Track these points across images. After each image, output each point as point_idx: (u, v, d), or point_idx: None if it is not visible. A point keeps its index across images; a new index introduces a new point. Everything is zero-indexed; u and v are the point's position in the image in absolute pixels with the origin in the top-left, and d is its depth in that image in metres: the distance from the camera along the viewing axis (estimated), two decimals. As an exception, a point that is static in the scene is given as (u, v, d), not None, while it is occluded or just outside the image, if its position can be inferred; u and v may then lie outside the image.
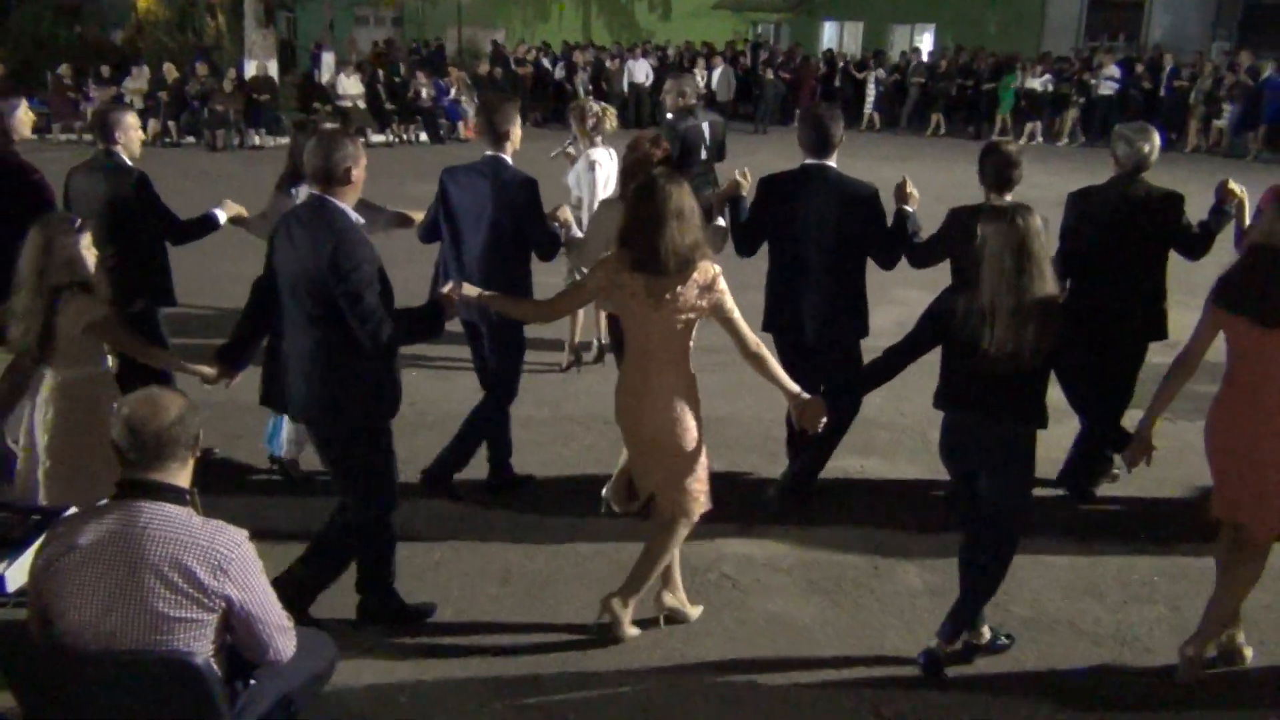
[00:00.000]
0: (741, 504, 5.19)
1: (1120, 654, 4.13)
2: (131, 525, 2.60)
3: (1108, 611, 4.40)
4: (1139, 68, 20.58)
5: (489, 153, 4.95)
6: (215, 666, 2.69)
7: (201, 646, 2.64)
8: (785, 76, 23.87)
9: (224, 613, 2.66)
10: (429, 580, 4.52)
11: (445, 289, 3.97)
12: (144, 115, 19.03)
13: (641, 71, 23.51)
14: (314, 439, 4.05)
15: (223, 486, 5.14)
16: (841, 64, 24.71)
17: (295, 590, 3.80)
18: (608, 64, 24.47)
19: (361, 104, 20.37)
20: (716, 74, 23.37)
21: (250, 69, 20.46)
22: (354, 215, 3.76)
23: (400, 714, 3.73)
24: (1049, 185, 10.15)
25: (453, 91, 21.19)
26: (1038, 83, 20.98)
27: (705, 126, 7.19)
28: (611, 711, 3.76)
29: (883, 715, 3.75)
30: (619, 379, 4.03)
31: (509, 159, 4.96)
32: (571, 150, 7.43)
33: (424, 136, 20.55)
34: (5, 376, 4.38)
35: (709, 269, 3.77)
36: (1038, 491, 5.23)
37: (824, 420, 3.91)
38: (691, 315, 3.79)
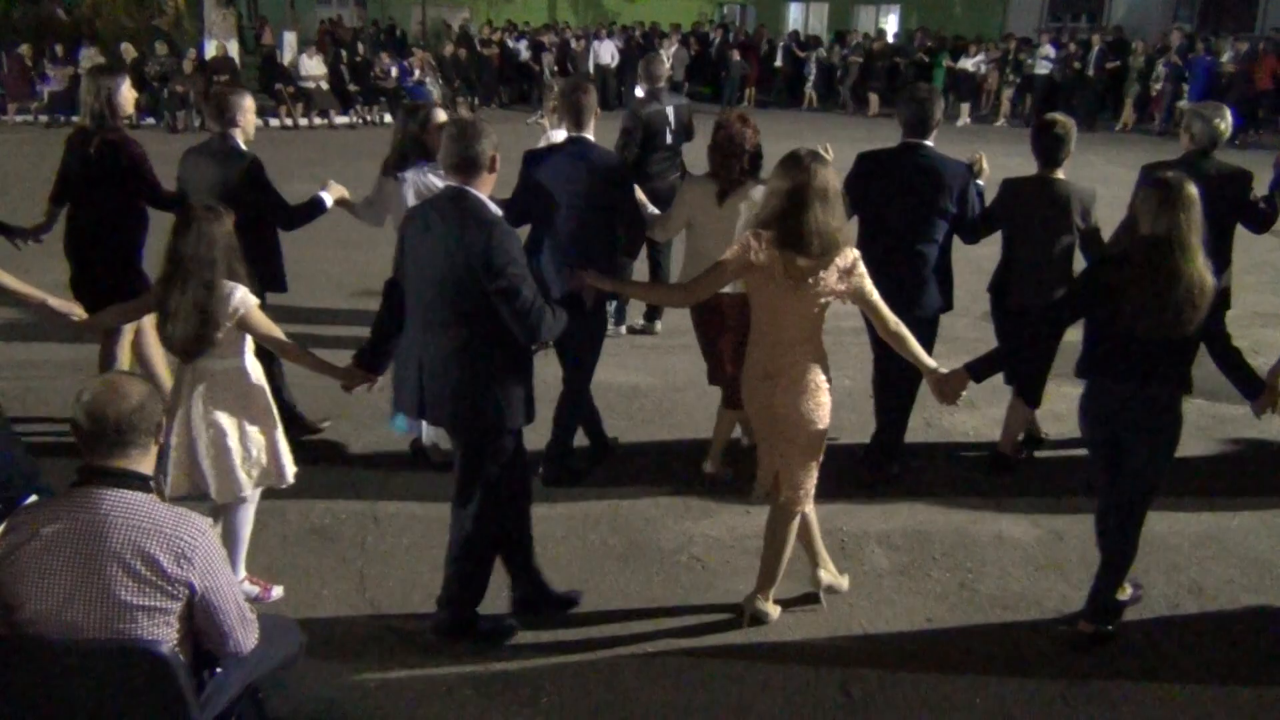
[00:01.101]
0: (704, 486, 5.24)
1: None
2: (93, 512, 2.56)
3: (1073, 589, 4.45)
4: (1093, 46, 20.90)
5: (572, 134, 4.96)
6: (181, 656, 2.66)
7: (165, 634, 2.61)
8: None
9: (187, 601, 2.63)
10: (398, 563, 4.50)
11: (586, 278, 3.92)
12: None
13: (607, 53, 23.46)
14: (457, 439, 3.87)
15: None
16: (783, 44, 25.31)
17: (460, 602, 3.89)
18: (573, 45, 24.35)
19: (324, 85, 20.15)
20: (671, 53, 23.57)
21: (210, 49, 20.17)
22: (493, 207, 3.64)
23: (369, 701, 3.71)
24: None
25: (416, 73, 21.01)
26: (970, 63, 21.54)
27: (670, 110, 7.16)
28: (580, 689, 3.76)
29: (851, 694, 3.77)
30: (747, 363, 3.98)
31: (592, 139, 4.97)
32: (544, 122, 7.46)
33: (388, 118, 20.36)
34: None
35: (849, 253, 3.73)
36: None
37: (964, 391, 3.96)
38: (830, 298, 3.76)
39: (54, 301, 4.47)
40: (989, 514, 5.07)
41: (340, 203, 5.36)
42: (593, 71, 22.66)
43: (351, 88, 20.40)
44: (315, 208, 5.28)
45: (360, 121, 19.97)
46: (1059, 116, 5.19)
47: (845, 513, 5.02)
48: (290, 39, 22.37)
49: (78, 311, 4.54)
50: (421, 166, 5.12)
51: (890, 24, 29.34)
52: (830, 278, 3.70)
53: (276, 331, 3.99)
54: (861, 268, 3.75)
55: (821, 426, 3.90)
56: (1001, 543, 4.76)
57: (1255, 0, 24.53)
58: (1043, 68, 20.76)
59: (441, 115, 5.15)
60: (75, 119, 5.02)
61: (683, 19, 28.54)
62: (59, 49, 19.73)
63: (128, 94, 5.30)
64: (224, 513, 4.04)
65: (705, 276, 3.98)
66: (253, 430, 3.96)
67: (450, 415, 3.77)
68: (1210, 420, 6.14)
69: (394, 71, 20.79)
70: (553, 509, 4.93)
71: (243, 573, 4.14)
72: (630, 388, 6.47)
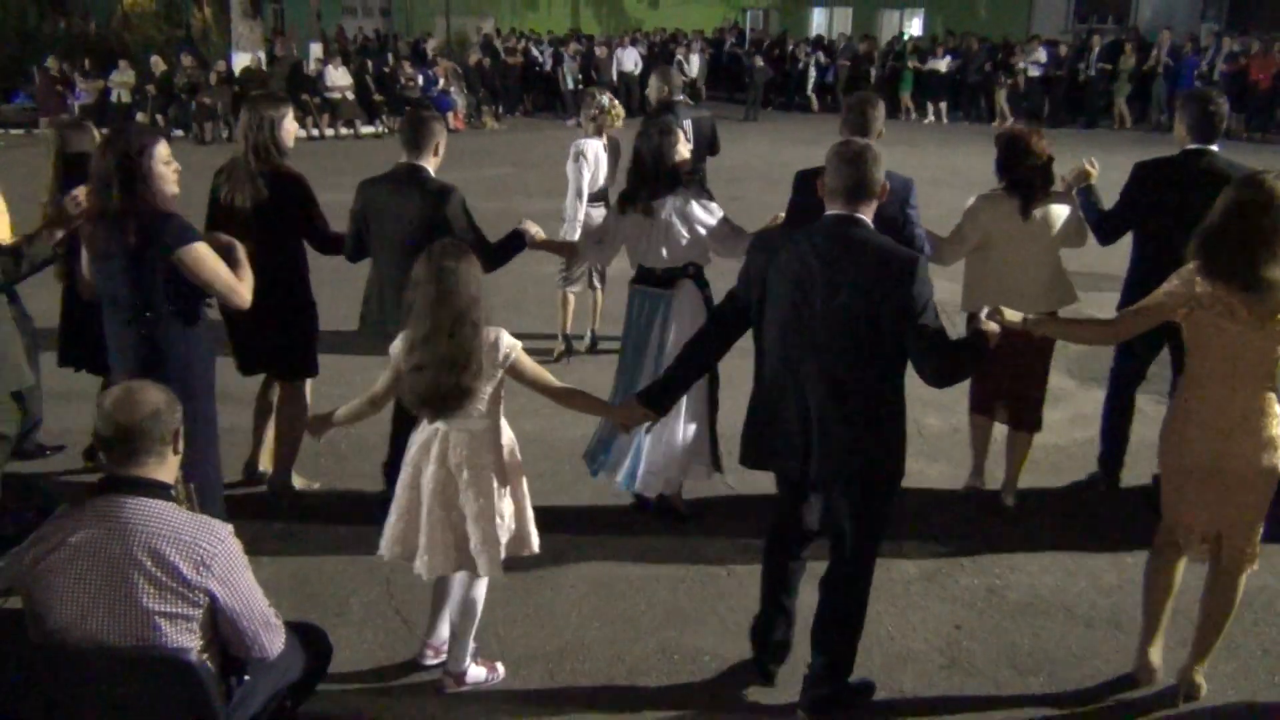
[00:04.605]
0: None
1: (1114, 638, 4.13)
2: (114, 520, 2.59)
3: (1102, 595, 4.41)
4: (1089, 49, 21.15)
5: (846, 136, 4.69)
6: (209, 663, 2.68)
7: (189, 641, 2.63)
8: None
9: (209, 607, 2.65)
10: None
11: (986, 313, 3.45)
12: (132, 109, 19.07)
13: (630, 60, 23.51)
14: (838, 496, 3.50)
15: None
16: (790, 47, 25.75)
17: (842, 671, 3.61)
18: (597, 52, 24.43)
19: (350, 95, 20.30)
20: (693, 61, 23.99)
21: (241, 61, 20.36)
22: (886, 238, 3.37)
23: (395, 707, 3.72)
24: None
25: (441, 82, 21.13)
26: (941, 64, 22.02)
27: (688, 125, 6.87)
28: (608, 699, 3.75)
29: (879, 702, 3.74)
30: (1183, 407, 3.57)
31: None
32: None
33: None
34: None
35: None
36: (1033, 479, 5.27)
37: None
38: None
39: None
40: (1016, 518, 5.03)
41: (543, 245, 4.92)
42: (615, 79, 22.71)
43: (377, 98, 20.54)
44: (516, 242, 4.76)
45: (386, 131, 20.08)
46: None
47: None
48: (316, 50, 22.56)
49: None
50: (679, 194, 4.69)
51: (915, 27, 29.23)
52: None
53: (547, 375, 3.65)
54: None
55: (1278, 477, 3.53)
56: (1030, 550, 4.72)
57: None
58: (1034, 70, 21.06)
59: (684, 142, 4.78)
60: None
61: (705, 24, 28.57)
62: (88, 63, 19.98)
63: (290, 126, 4.82)
64: (462, 585, 3.68)
65: (1135, 312, 3.65)
66: (510, 495, 3.59)
67: (836, 466, 3.40)
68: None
69: (419, 81, 20.92)
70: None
71: (472, 646, 3.76)
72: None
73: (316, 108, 19.77)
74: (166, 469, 2.72)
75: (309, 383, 5.11)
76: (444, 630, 3.84)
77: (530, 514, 3.67)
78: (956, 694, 3.81)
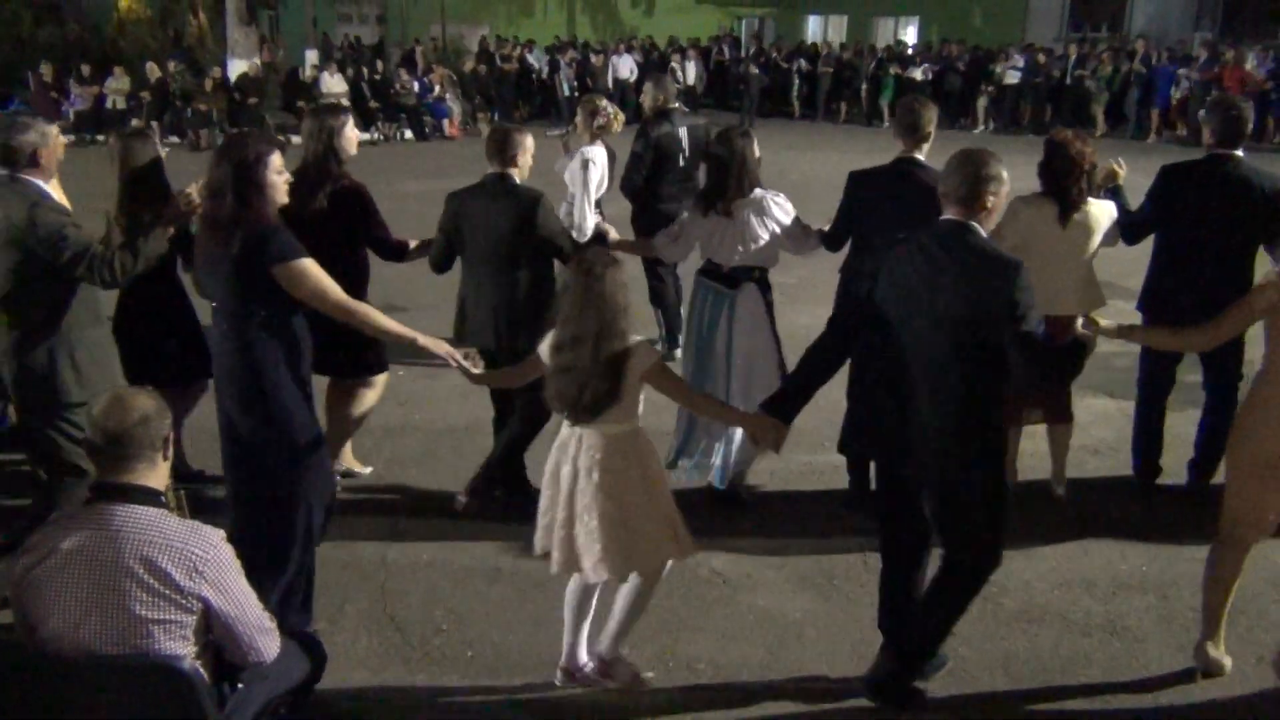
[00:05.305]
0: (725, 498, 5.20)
1: (1109, 644, 4.13)
2: (105, 528, 2.58)
3: (1097, 602, 4.41)
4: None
5: (902, 155, 4.79)
6: (202, 670, 2.67)
7: (182, 648, 2.62)
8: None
9: (203, 613, 2.64)
10: (420, 578, 4.51)
11: (1081, 322, 3.54)
12: (127, 116, 19.06)
13: (626, 67, 23.56)
14: (940, 493, 3.53)
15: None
16: (774, 55, 25.77)
17: (920, 657, 3.67)
18: (592, 60, 24.45)
19: (346, 102, 20.30)
20: (691, 67, 24.07)
21: (237, 68, 20.36)
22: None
23: (390, 715, 3.71)
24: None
25: (436, 89, 21.14)
26: (918, 72, 22.40)
27: (683, 132, 6.97)
28: (605, 706, 3.74)
29: (875, 709, 3.74)
30: (1261, 402, 3.64)
31: (924, 159, 4.80)
32: (569, 141, 7.24)
33: (409, 134, 20.50)
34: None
35: None
36: (1030, 484, 5.27)
37: None
38: None
39: (423, 340, 3.92)
40: (1009, 529, 5.02)
41: (619, 244, 5.10)
42: (611, 86, 22.74)
43: (372, 104, 20.54)
44: (601, 245, 4.97)
45: (381, 138, 20.09)
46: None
47: (868, 529, 4.98)
48: (311, 57, 22.57)
49: (457, 358, 3.93)
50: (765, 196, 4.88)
51: (909, 35, 29.30)
52: None
53: (683, 383, 3.76)
54: None
55: None
56: (1026, 557, 4.72)
57: (1278, 7, 24.34)
58: (1011, 77, 21.47)
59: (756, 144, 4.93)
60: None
61: (701, 32, 28.61)
62: (84, 69, 19.98)
63: (352, 134, 4.87)
64: (626, 590, 3.71)
65: (1229, 316, 3.68)
66: (655, 498, 3.58)
67: (939, 462, 3.45)
68: None
69: (415, 88, 20.93)
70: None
71: (626, 648, 3.87)
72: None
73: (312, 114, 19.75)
74: (157, 475, 2.71)
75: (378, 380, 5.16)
76: (582, 653, 3.83)
77: (678, 516, 3.63)
78: (953, 702, 3.80)
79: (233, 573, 2.69)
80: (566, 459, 3.55)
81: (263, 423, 3.70)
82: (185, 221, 4.35)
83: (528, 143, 4.84)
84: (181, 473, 5.32)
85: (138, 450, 2.63)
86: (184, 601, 2.59)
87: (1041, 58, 21.60)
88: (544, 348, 3.59)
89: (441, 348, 3.89)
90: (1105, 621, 4.27)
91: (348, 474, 5.37)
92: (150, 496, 2.66)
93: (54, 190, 4.25)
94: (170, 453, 2.76)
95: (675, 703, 3.77)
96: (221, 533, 2.70)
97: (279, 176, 3.71)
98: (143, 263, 4.18)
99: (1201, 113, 5.15)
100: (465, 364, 3.89)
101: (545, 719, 3.69)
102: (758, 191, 4.85)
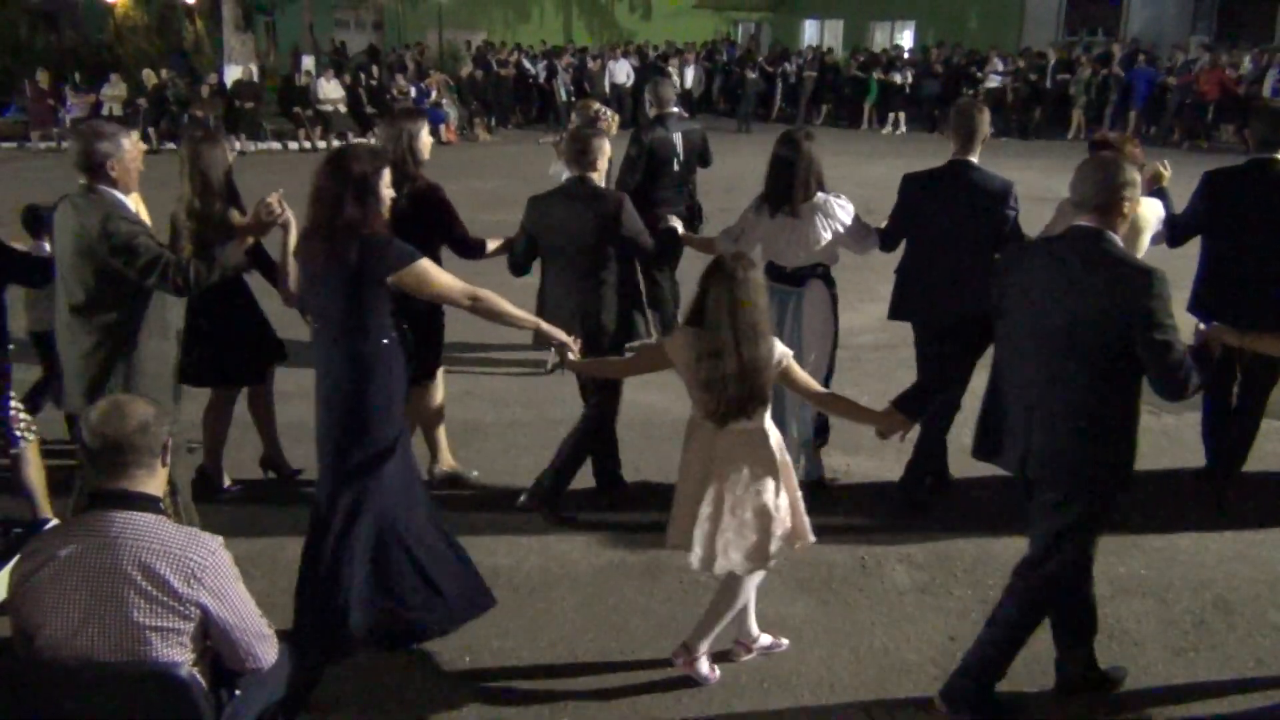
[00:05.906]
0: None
1: (1108, 648, 4.13)
2: (103, 535, 2.57)
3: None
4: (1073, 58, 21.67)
5: (956, 158, 4.87)
6: (199, 676, 2.67)
7: (180, 655, 2.62)
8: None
9: (200, 620, 2.64)
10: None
11: (1222, 335, 3.45)
12: (123, 122, 19.06)
13: (623, 72, 23.58)
14: (1048, 496, 3.50)
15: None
16: (759, 59, 26.01)
17: (994, 672, 3.62)
18: (589, 64, 24.49)
19: (343, 108, 20.33)
20: (690, 72, 24.18)
21: (234, 74, 20.38)
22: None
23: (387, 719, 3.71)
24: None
25: (433, 94, 21.16)
26: (898, 76, 23.05)
27: (678, 137, 6.99)
28: (601, 709, 3.74)
29: (872, 715, 3.74)
30: None
31: (977, 161, 4.86)
32: (564, 146, 7.25)
33: (406, 139, 20.49)
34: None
35: None
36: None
37: None
38: None
39: (546, 326, 4.19)
40: (1011, 532, 5.02)
41: (685, 241, 5.32)
42: (608, 91, 22.77)
43: (369, 110, 20.56)
44: (673, 242, 5.20)
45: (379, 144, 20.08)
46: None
47: (866, 534, 4.99)
48: (308, 62, 22.59)
49: (567, 344, 4.15)
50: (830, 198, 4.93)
51: (906, 39, 29.36)
52: None
53: (814, 381, 3.81)
54: None
55: None
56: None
57: (1274, 11, 24.41)
58: (993, 81, 21.91)
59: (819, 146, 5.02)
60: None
61: (698, 37, 28.65)
62: (77, 76, 19.99)
63: (427, 138, 4.97)
64: (732, 580, 3.76)
65: None
66: (784, 490, 3.66)
67: (1054, 465, 3.43)
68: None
69: (412, 93, 20.95)
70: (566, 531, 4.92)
71: (756, 630, 4.01)
72: (647, 407, 6.46)
73: (308, 120, 19.79)
74: (155, 482, 2.71)
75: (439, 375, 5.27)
76: (754, 626, 3.97)
77: (802, 506, 3.73)
78: (951, 705, 3.79)
79: (231, 579, 2.69)
80: (708, 457, 3.60)
81: (363, 438, 3.75)
82: (264, 233, 4.37)
83: (605, 147, 4.95)
84: (283, 470, 5.53)
85: (137, 457, 2.63)
86: (182, 608, 2.59)
87: (1022, 62, 22.09)
88: (676, 347, 3.63)
89: (559, 335, 4.13)
90: (1104, 625, 4.26)
91: (454, 477, 5.40)
92: (148, 503, 2.66)
93: (133, 202, 4.25)
94: (169, 459, 2.76)
95: (674, 704, 3.77)
96: (219, 539, 2.70)
97: (387, 190, 3.75)
98: (218, 274, 4.20)
99: (1249, 117, 5.22)
100: (575, 353, 4.09)
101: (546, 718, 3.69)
102: (820, 195, 4.89)
